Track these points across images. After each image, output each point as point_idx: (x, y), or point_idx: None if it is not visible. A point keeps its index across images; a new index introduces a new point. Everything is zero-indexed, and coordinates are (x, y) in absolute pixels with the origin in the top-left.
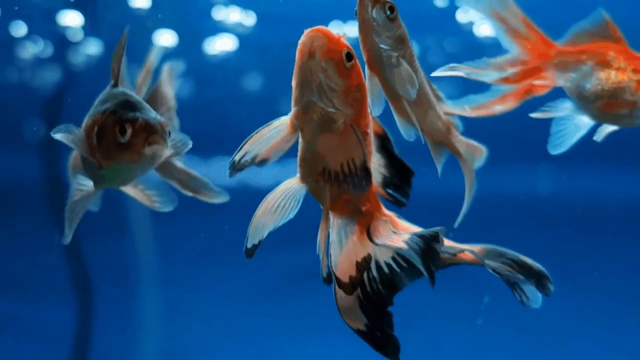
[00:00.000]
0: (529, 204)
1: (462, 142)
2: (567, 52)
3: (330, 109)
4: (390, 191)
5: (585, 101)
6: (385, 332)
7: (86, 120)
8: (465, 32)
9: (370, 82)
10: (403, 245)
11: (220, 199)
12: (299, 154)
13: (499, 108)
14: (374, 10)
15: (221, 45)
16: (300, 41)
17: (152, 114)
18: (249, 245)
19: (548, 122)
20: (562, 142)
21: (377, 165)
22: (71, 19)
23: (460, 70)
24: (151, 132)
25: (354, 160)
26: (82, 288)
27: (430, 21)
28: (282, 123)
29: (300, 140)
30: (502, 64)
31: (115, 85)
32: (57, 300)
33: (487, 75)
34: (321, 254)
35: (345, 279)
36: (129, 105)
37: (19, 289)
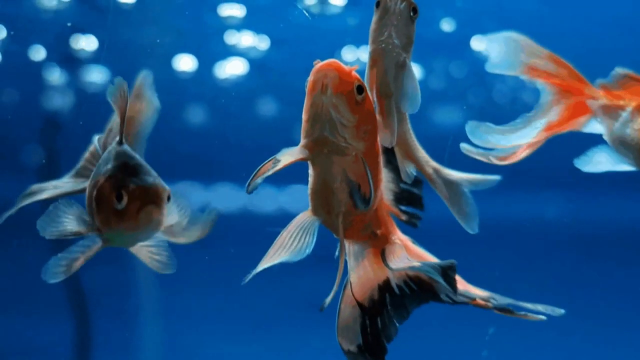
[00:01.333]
0: (535, 231)
1: (430, 164)
2: (602, 95)
3: (341, 143)
4: (403, 207)
5: (625, 148)
6: (376, 356)
7: (90, 181)
8: (471, 57)
9: (369, 75)
10: (418, 264)
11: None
12: (309, 186)
13: (524, 154)
14: (402, 5)
15: (231, 69)
16: (311, 75)
17: (150, 179)
18: (251, 276)
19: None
20: (592, 165)
21: (385, 182)
22: (81, 44)
23: (496, 134)
24: (146, 199)
25: (361, 188)
26: (79, 312)
27: (436, 46)
28: (291, 153)
29: (310, 172)
30: (540, 114)
31: (120, 143)
32: (54, 323)
33: (529, 132)
34: (336, 284)
35: (367, 303)
36: (127, 169)
37: (16, 312)
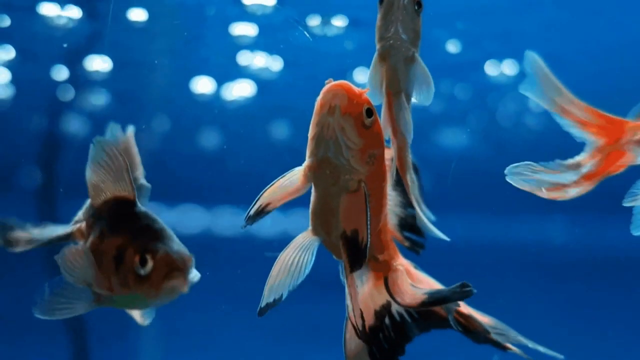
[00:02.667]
0: (540, 255)
1: (411, 172)
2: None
3: (345, 166)
4: (407, 234)
5: None
6: None
7: (97, 235)
8: (475, 79)
9: (375, 71)
10: (426, 297)
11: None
12: (310, 206)
13: (573, 192)
14: (406, 0)
15: (240, 90)
16: (321, 95)
17: (176, 246)
18: (263, 305)
19: None
20: None
21: (392, 205)
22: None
23: (536, 171)
24: (173, 268)
25: (357, 232)
26: (76, 334)
27: (439, 68)
28: (295, 174)
29: (312, 192)
30: (578, 163)
31: (134, 202)
32: (51, 346)
33: (564, 176)
34: (353, 311)
35: (366, 329)
36: (151, 232)
37: (12, 335)
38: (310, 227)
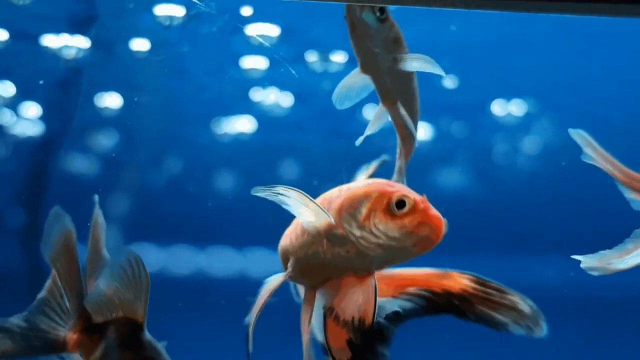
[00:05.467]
0: (539, 296)
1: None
2: None
3: (363, 266)
4: None
5: None
6: None
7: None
8: (464, 118)
9: (351, 79)
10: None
11: None
12: (283, 239)
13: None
14: (363, 14)
15: (241, 126)
16: (428, 217)
17: None
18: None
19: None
20: None
21: None
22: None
23: (614, 260)
24: None
25: (364, 320)
26: None
27: (439, 104)
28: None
29: (295, 225)
30: None
31: (142, 327)
32: None
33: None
34: (304, 335)
35: (337, 344)
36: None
37: None
38: (289, 272)
